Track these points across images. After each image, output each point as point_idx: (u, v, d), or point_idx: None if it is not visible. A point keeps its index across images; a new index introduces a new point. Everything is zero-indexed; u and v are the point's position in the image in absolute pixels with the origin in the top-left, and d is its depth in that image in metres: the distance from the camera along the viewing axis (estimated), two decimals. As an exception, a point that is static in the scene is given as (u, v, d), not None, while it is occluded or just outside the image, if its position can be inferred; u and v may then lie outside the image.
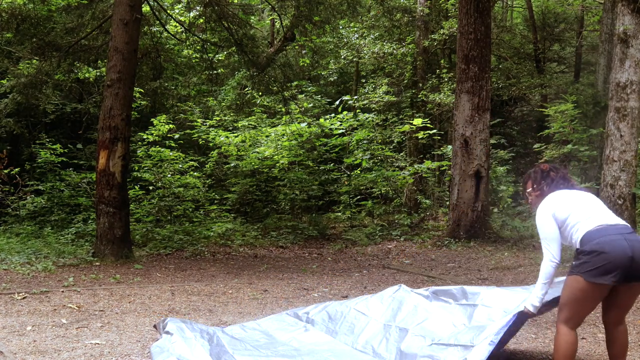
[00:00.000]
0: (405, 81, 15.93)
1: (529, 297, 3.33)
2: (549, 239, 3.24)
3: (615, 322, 3.26)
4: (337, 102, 14.07)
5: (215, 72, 13.05)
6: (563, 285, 3.23)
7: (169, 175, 12.10)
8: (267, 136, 13.51)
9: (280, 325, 4.27)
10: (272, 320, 4.41)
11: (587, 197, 3.33)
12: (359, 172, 13.03)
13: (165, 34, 12.48)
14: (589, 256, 3.04)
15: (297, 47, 15.20)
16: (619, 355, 3.29)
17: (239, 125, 14.10)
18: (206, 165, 13.87)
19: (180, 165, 12.41)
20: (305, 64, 16.58)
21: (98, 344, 4.12)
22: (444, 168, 13.48)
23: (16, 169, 10.72)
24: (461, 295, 3.90)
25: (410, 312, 3.88)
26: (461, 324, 3.56)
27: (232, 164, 13.38)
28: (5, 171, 10.56)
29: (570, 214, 3.22)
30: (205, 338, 3.79)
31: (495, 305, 3.60)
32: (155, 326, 4.24)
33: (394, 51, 15.41)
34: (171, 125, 12.71)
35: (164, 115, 12.72)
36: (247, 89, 14.40)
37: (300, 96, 15.08)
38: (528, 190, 3.57)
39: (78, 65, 11.32)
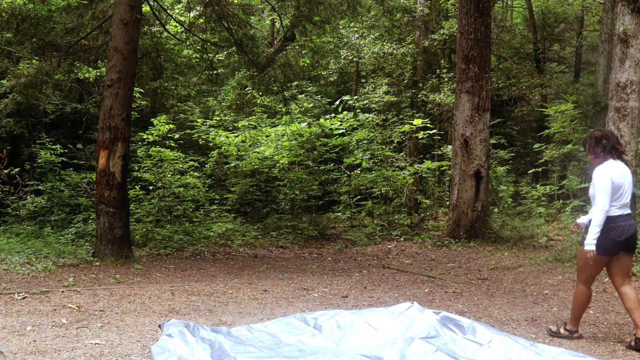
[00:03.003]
0: (405, 81, 15.93)
1: (587, 238, 4.13)
2: (604, 192, 4.08)
3: (619, 286, 4.22)
4: (337, 102, 14.06)
5: (215, 72, 13.04)
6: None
7: (169, 175, 12.10)
8: (267, 136, 13.51)
9: (288, 328, 4.29)
10: (279, 322, 4.42)
11: (629, 176, 4.23)
12: (359, 172, 13.03)
13: (165, 34, 12.48)
14: (608, 239, 4.14)
15: (297, 47, 15.19)
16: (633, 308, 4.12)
17: (239, 125, 14.10)
18: (206, 165, 13.87)
19: (180, 165, 12.41)
20: (305, 64, 16.58)
21: (98, 344, 4.12)
22: (444, 168, 13.48)
23: (16, 169, 10.71)
24: (470, 331, 3.94)
25: (420, 331, 3.91)
26: (464, 357, 3.60)
27: (232, 164, 13.37)
28: (5, 171, 10.55)
29: (621, 189, 4.14)
30: (206, 343, 3.80)
31: (500, 352, 3.63)
32: (160, 326, 4.25)
33: (394, 51, 15.41)
34: (171, 125, 12.71)
35: (164, 115, 12.72)
36: (247, 89, 14.40)
37: (300, 96, 15.08)
38: (587, 154, 4.37)
39: (78, 65, 11.31)
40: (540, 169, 13.89)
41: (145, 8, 10.48)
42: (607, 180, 4.10)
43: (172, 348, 3.66)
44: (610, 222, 4.11)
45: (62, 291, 5.98)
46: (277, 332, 4.21)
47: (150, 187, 12.12)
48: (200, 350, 3.63)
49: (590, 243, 4.09)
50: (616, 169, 4.17)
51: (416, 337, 3.78)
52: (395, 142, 14.72)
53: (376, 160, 13.20)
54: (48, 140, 11.96)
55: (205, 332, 4.03)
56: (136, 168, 12.13)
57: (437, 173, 14.35)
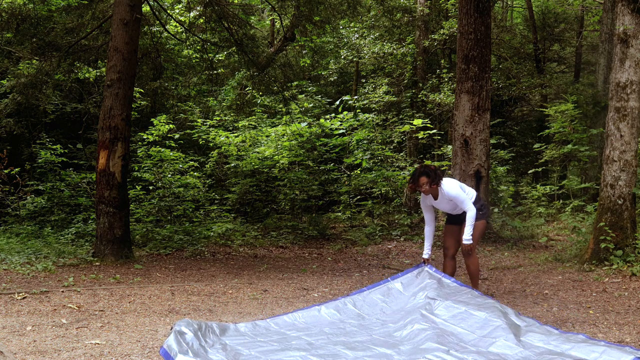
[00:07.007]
0: (405, 81, 15.92)
1: (465, 234, 5.31)
2: (467, 199, 5.33)
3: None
4: (337, 102, 14.05)
5: (215, 72, 13.03)
6: (476, 227, 5.37)
7: (169, 175, 12.09)
8: (267, 136, 13.50)
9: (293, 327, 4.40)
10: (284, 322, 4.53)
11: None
12: (359, 172, 13.02)
13: (165, 34, 12.48)
14: (485, 209, 5.56)
15: (297, 47, 15.19)
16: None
17: (239, 125, 14.09)
18: (206, 165, 13.86)
19: (180, 165, 12.40)
20: (305, 64, 16.58)
21: (98, 344, 4.12)
22: (444, 168, 13.47)
23: (16, 169, 10.70)
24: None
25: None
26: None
27: (232, 164, 13.37)
28: (5, 171, 10.54)
29: (466, 189, 5.47)
30: (217, 344, 3.87)
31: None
32: (171, 328, 4.23)
33: (394, 51, 15.40)
34: (171, 125, 12.70)
35: (164, 115, 12.71)
36: (247, 89, 14.40)
37: (300, 96, 15.08)
38: (423, 185, 5.22)
39: (78, 65, 11.31)
40: (540, 169, 13.89)
41: (145, 8, 10.48)
42: (461, 191, 5.33)
43: (185, 350, 3.66)
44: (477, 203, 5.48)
45: (62, 291, 5.98)
46: (283, 329, 4.33)
47: (150, 187, 12.11)
48: (214, 354, 3.68)
49: (468, 238, 5.31)
50: (454, 181, 5.42)
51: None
52: (395, 142, 14.72)
53: (376, 160, 13.19)
54: (48, 140, 11.95)
55: (215, 334, 4.05)
56: (136, 168, 12.12)
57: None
